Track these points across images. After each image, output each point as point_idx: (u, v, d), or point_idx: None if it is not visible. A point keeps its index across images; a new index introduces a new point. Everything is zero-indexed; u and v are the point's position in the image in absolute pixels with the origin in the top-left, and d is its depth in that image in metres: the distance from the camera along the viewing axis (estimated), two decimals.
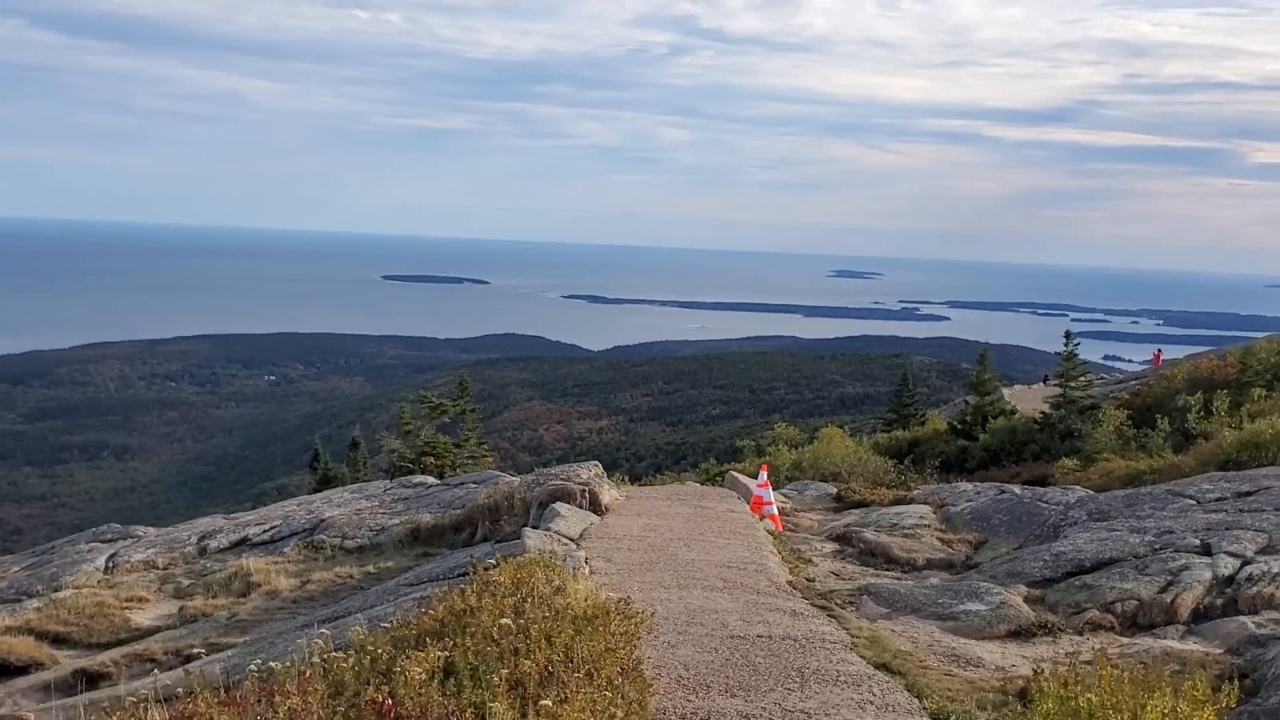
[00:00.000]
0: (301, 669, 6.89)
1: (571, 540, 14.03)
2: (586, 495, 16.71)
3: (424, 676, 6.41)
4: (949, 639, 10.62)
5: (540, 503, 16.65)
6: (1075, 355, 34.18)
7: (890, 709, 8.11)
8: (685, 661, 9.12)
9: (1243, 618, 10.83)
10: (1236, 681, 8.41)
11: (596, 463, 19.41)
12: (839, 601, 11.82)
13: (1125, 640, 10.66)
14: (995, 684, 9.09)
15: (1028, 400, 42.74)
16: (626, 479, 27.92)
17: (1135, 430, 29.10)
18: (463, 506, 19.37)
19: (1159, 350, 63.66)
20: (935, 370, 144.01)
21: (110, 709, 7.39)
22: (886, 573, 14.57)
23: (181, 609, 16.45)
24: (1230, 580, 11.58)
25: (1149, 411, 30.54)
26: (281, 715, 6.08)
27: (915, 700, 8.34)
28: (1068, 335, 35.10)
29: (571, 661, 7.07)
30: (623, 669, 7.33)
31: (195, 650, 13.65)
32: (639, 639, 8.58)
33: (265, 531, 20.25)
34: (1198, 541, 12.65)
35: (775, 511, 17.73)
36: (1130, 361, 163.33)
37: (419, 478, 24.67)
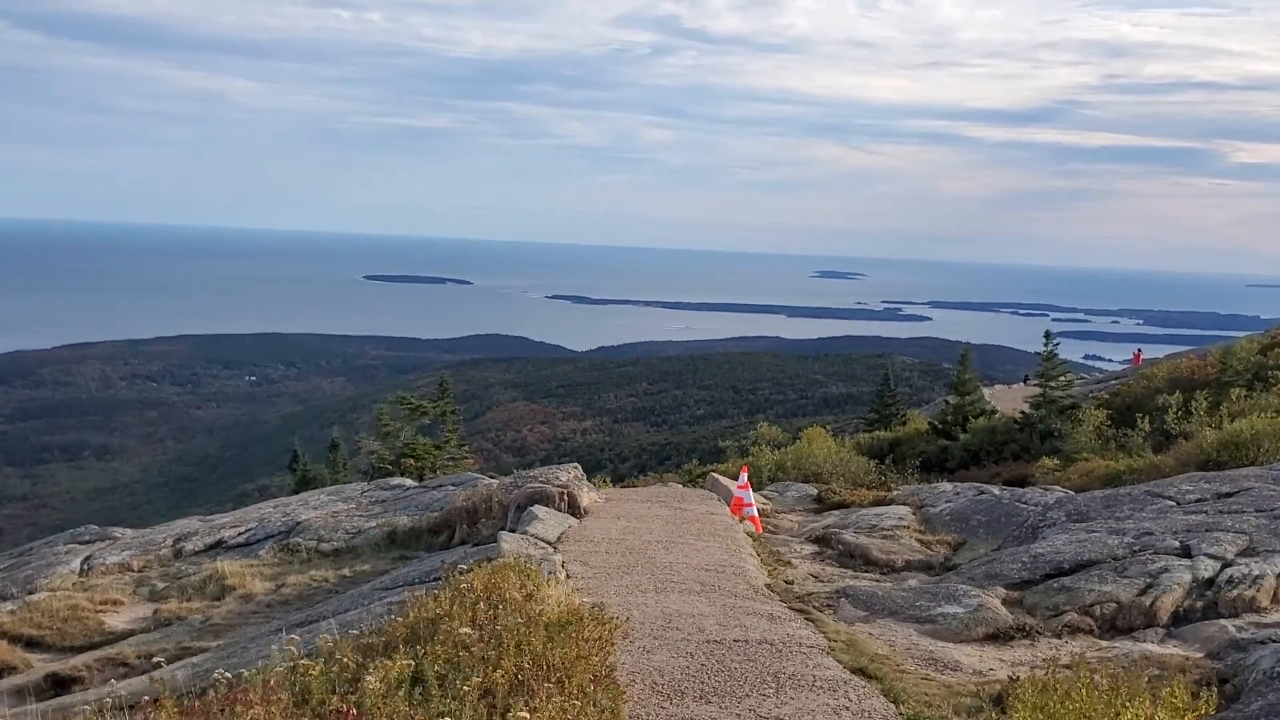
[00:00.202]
0: (266, 677, 6.77)
1: (549, 543, 13.91)
2: (565, 498, 16.59)
3: (385, 687, 6.29)
4: (926, 642, 10.54)
5: (518, 505, 16.53)
6: (1055, 355, 34.22)
7: (866, 715, 8.02)
8: (660, 667, 9.01)
9: (1223, 621, 10.77)
10: (1216, 687, 8.35)
11: (576, 465, 19.30)
12: (817, 604, 11.73)
13: (1104, 643, 10.59)
14: (972, 688, 9.00)
15: (1008, 400, 42.77)
16: (609, 480, 27.86)
17: (1115, 430, 29.10)
18: (441, 509, 19.23)
19: (1139, 350, 63.82)
20: (917, 370, 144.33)
21: (77, 716, 7.27)
22: (865, 575, 14.49)
23: (156, 612, 16.29)
24: (1210, 583, 11.52)
25: (1129, 411, 30.55)
26: None
27: (892, 706, 8.26)
28: (1047, 335, 35.15)
29: (542, 669, 6.97)
30: (595, 676, 7.23)
31: (166, 655, 13.49)
32: (613, 645, 8.48)
33: (241, 534, 20.08)
34: (1177, 543, 12.59)
35: (755, 513, 17.63)
36: (1110, 361, 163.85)
37: (396, 480, 24.51)
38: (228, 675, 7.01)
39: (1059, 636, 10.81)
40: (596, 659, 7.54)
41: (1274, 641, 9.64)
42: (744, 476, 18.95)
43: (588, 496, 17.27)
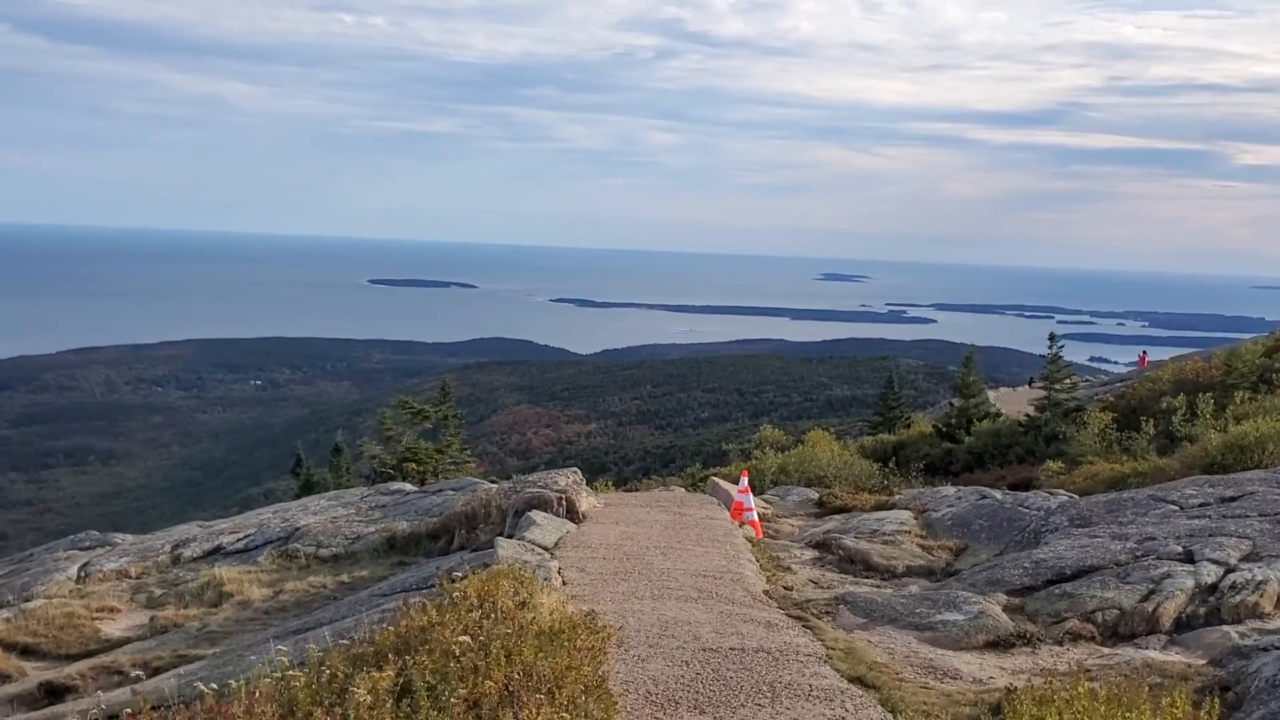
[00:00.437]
0: (253, 689, 6.67)
1: (546, 549, 13.79)
2: (563, 503, 16.48)
3: (373, 698, 6.19)
4: (926, 650, 10.41)
5: (516, 511, 16.42)
6: (1060, 357, 34.08)
7: None
8: (655, 676, 8.90)
9: (1226, 627, 10.64)
10: (1219, 695, 8.22)
11: (575, 469, 19.17)
12: (815, 611, 11.60)
13: (1106, 651, 10.47)
14: (971, 697, 8.88)
15: (1013, 403, 42.60)
16: (611, 484, 27.76)
17: (1120, 433, 28.98)
18: (440, 514, 19.13)
19: (1144, 352, 63.66)
20: (922, 373, 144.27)
21: None
22: (865, 580, 14.37)
23: (153, 619, 16.18)
24: (1213, 589, 11.39)
25: (1134, 414, 30.42)
26: None
27: (889, 716, 8.14)
28: (1052, 337, 34.98)
29: (532, 679, 6.85)
30: (587, 686, 7.11)
31: (162, 663, 13.40)
32: (606, 654, 8.37)
33: (239, 540, 19.99)
34: (1180, 549, 12.45)
35: (755, 518, 17.52)
36: (1115, 363, 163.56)
37: (397, 485, 24.41)
38: (213, 686, 6.91)
39: (1060, 644, 10.68)
40: (588, 669, 7.42)
41: (1277, 648, 9.51)
42: (744, 481, 18.84)
43: (586, 501, 17.15)
